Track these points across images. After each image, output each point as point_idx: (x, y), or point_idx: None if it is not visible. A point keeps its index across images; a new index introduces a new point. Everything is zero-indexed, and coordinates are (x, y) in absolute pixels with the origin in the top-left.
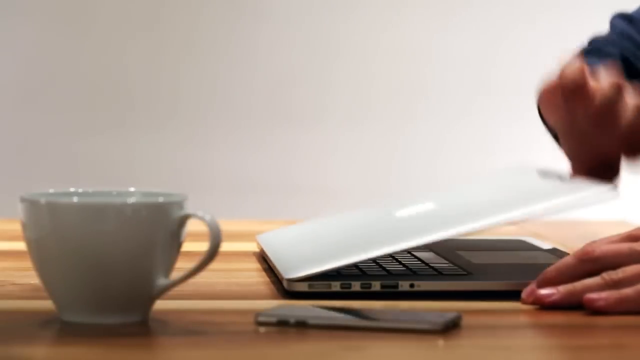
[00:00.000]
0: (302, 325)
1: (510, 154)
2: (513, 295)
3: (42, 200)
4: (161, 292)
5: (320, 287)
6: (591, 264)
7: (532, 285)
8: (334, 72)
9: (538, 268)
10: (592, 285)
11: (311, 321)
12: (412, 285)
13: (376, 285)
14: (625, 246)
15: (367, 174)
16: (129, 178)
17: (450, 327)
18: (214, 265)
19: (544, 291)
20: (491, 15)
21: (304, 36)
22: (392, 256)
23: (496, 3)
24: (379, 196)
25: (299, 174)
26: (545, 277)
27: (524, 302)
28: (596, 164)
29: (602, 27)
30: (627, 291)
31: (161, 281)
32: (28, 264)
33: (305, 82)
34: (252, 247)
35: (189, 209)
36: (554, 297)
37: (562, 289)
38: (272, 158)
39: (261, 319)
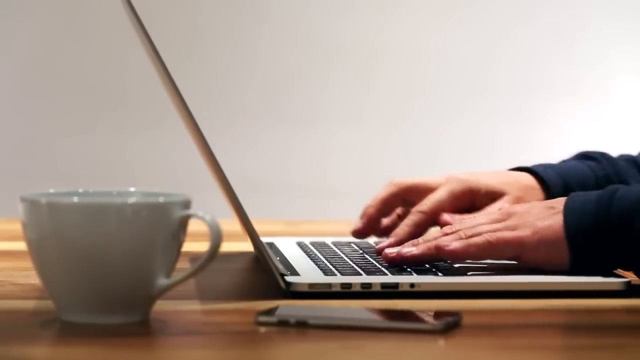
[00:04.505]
0: (302, 325)
1: (509, 154)
2: (513, 295)
3: (43, 200)
4: (161, 292)
5: (320, 287)
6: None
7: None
8: (333, 71)
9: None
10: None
11: (311, 321)
12: (412, 285)
13: (376, 286)
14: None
15: (366, 173)
16: (129, 178)
17: (450, 327)
18: (214, 265)
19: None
20: (488, 15)
21: (303, 36)
22: None
23: (493, 3)
24: None
25: (298, 174)
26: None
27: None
28: None
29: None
30: (476, 239)
31: (161, 281)
32: (28, 264)
33: (304, 82)
34: (252, 247)
35: (190, 209)
36: (414, 252)
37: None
38: (271, 158)
39: (261, 319)
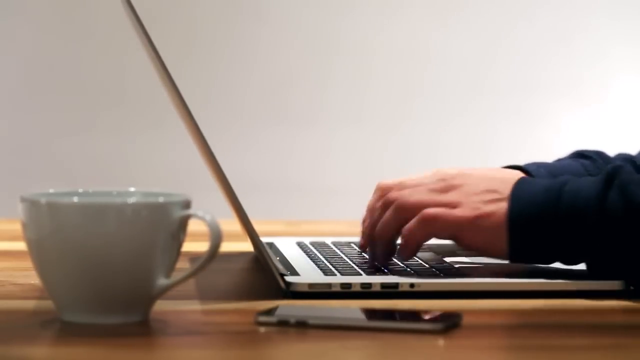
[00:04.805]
0: (302, 325)
1: (508, 153)
2: (513, 295)
3: (43, 200)
4: (161, 292)
5: (320, 287)
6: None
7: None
8: (333, 71)
9: (537, 268)
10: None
11: (311, 321)
12: (412, 285)
13: (376, 286)
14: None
15: (366, 173)
16: (129, 178)
17: (450, 327)
18: (214, 265)
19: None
20: (488, 15)
21: (303, 36)
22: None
23: (493, 3)
24: None
25: (298, 174)
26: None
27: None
28: None
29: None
30: (410, 224)
31: (161, 281)
32: (28, 264)
33: (304, 81)
34: (252, 247)
35: (190, 209)
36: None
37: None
38: (271, 158)
39: (261, 319)
